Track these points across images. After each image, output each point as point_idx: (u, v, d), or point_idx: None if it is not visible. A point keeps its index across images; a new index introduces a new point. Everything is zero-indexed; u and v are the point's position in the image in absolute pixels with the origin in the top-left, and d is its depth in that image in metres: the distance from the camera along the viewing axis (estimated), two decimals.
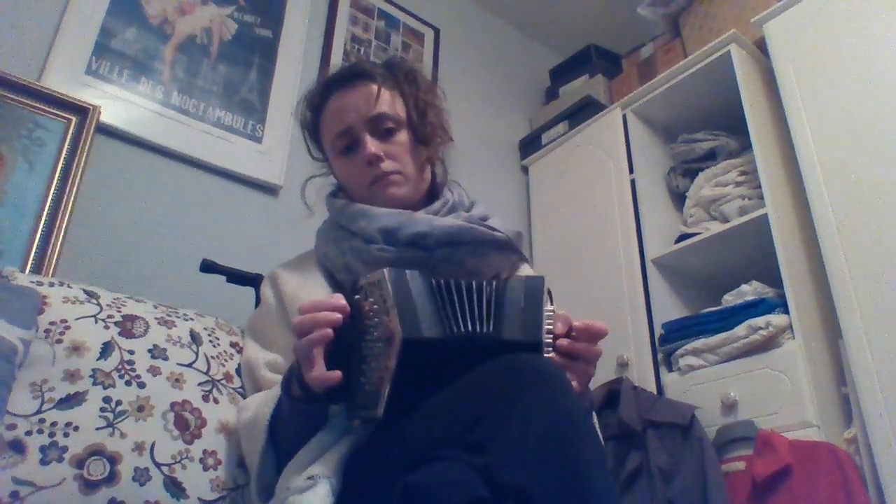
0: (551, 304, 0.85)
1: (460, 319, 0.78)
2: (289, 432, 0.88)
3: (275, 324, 1.05)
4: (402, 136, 1.09)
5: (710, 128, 2.05)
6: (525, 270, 1.12)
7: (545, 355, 0.81)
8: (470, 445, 0.67)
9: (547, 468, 0.63)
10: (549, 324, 0.82)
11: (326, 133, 1.12)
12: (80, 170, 1.48)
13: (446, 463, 0.68)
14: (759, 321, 1.60)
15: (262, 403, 0.92)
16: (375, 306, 0.78)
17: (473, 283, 0.81)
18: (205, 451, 0.94)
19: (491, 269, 1.03)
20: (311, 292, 1.04)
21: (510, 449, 0.65)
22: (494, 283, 0.81)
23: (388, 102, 1.09)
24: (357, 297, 0.80)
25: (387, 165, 1.06)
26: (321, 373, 0.79)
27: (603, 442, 1.62)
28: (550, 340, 0.82)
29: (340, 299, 0.81)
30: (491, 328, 0.79)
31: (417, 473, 0.68)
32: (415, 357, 0.75)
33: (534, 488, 0.61)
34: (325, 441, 0.84)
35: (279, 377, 0.99)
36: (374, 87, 1.08)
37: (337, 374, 0.79)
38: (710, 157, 2.02)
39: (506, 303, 0.80)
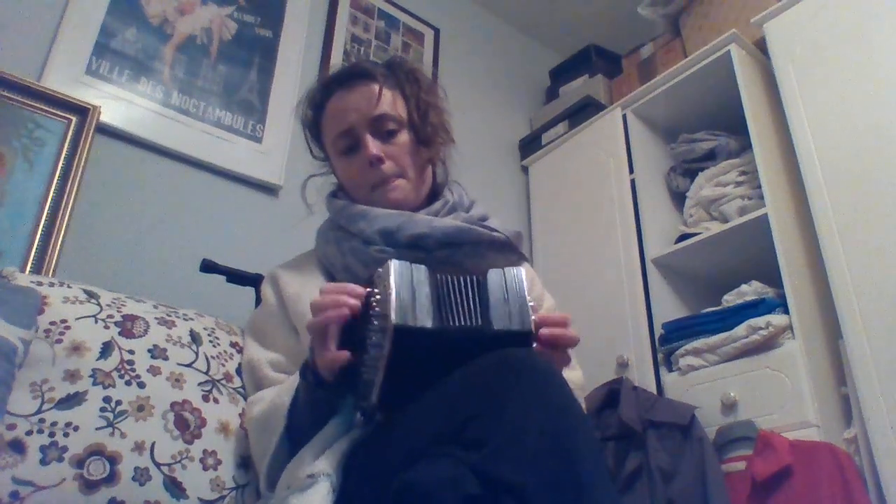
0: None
1: (454, 312, 0.79)
2: (303, 421, 0.88)
3: (276, 324, 1.05)
4: (404, 137, 1.09)
5: (710, 128, 2.05)
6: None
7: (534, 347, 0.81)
8: (465, 442, 0.68)
9: (543, 464, 0.63)
10: (532, 317, 0.82)
11: (328, 132, 1.12)
12: (80, 170, 1.48)
13: (441, 460, 0.68)
14: (759, 321, 1.60)
15: (278, 394, 0.93)
16: (379, 297, 0.79)
17: (464, 277, 0.81)
18: (205, 451, 0.94)
19: (490, 269, 1.03)
20: (312, 293, 1.03)
21: (506, 445, 0.65)
22: (476, 276, 0.81)
23: (390, 103, 1.09)
24: (368, 289, 0.81)
25: (388, 167, 1.06)
26: (330, 354, 0.80)
27: (603, 442, 1.63)
28: (543, 331, 0.82)
29: (358, 288, 0.81)
30: (479, 320, 0.79)
31: (412, 471, 0.69)
32: (408, 347, 0.75)
33: (530, 484, 0.61)
34: (326, 438, 0.84)
35: (282, 376, 0.99)
36: (376, 88, 1.08)
37: (344, 354, 0.79)
38: (710, 157, 2.02)
39: (489, 294, 0.80)
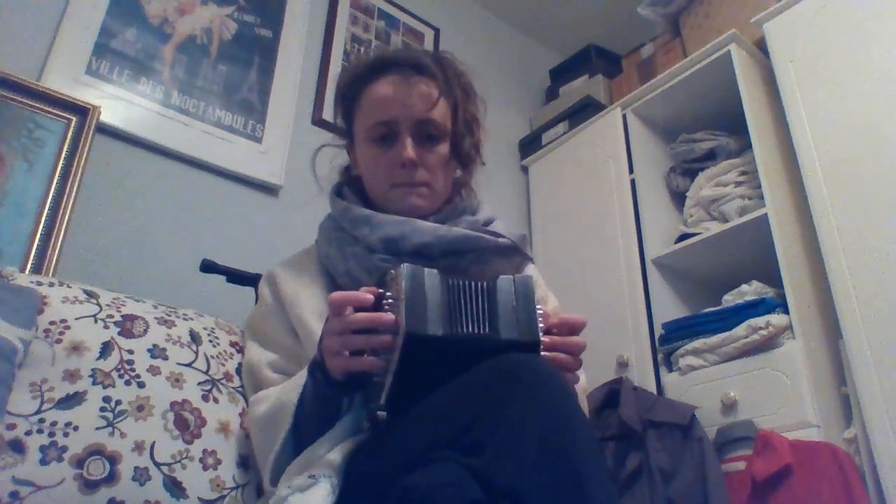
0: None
1: (463, 319, 0.79)
2: (310, 418, 0.88)
3: (274, 324, 1.04)
4: (443, 148, 1.06)
5: (710, 128, 2.05)
6: (529, 272, 1.11)
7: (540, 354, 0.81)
8: (466, 446, 0.67)
9: (543, 470, 0.62)
10: (540, 321, 0.82)
11: (365, 114, 1.07)
12: (80, 170, 1.48)
13: (441, 465, 0.67)
14: (759, 321, 1.60)
15: (283, 392, 0.92)
16: (391, 300, 0.79)
17: (475, 283, 0.81)
18: (205, 451, 0.94)
19: (495, 275, 1.02)
20: (310, 294, 1.03)
21: (506, 450, 0.64)
22: (486, 282, 0.82)
23: (441, 111, 1.05)
24: (381, 290, 0.82)
25: (420, 173, 1.04)
26: (345, 360, 0.80)
27: (603, 442, 1.63)
28: (543, 339, 0.83)
29: (368, 296, 0.81)
30: (487, 328, 0.79)
31: (413, 475, 0.68)
32: (419, 352, 0.76)
33: (529, 490, 0.61)
34: (330, 440, 0.84)
35: (282, 377, 0.99)
36: (435, 91, 1.05)
37: (356, 360, 0.80)
38: (710, 157, 2.02)
39: (498, 302, 0.80)
